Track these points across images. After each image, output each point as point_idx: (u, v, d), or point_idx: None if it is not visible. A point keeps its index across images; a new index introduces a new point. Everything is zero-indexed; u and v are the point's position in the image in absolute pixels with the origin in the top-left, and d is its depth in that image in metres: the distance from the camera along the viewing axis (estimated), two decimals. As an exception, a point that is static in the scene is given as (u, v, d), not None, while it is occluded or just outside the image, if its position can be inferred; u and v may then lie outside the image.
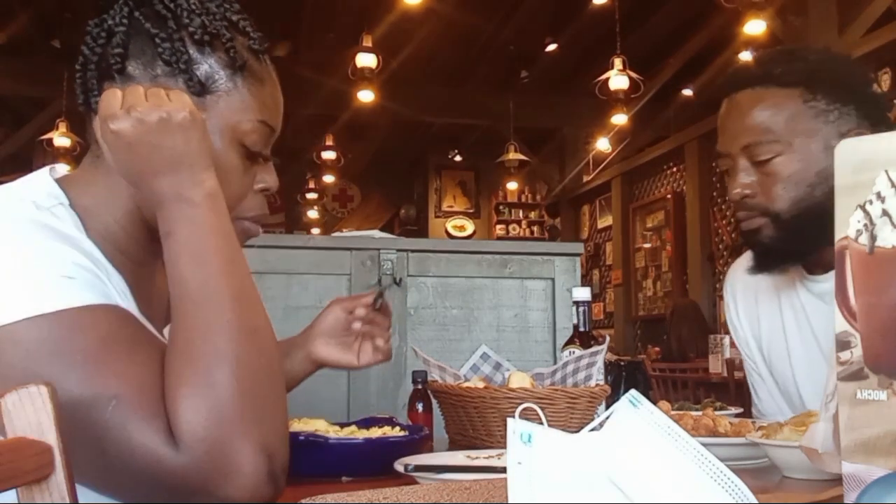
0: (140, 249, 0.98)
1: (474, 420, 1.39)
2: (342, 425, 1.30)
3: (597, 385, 1.46)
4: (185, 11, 0.95)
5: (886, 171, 0.59)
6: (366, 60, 6.81)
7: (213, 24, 0.96)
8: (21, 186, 0.94)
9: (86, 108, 0.98)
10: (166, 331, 1.02)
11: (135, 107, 0.87)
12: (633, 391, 0.63)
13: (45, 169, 0.99)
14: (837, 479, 0.64)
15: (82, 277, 0.85)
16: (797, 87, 1.36)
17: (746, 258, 1.61)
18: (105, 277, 0.88)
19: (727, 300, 1.67)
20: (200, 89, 0.95)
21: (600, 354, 1.49)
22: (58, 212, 0.91)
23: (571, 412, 1.37)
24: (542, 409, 0.70)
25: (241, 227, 1.03)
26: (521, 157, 9.13)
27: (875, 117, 1.38)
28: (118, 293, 0.89)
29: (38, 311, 0.81)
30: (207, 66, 0.95)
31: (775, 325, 1.56)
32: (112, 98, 0.89)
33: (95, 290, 0.85)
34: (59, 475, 0.70)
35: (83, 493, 0.78)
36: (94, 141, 0.96)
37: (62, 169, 1.01)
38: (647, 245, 9.20)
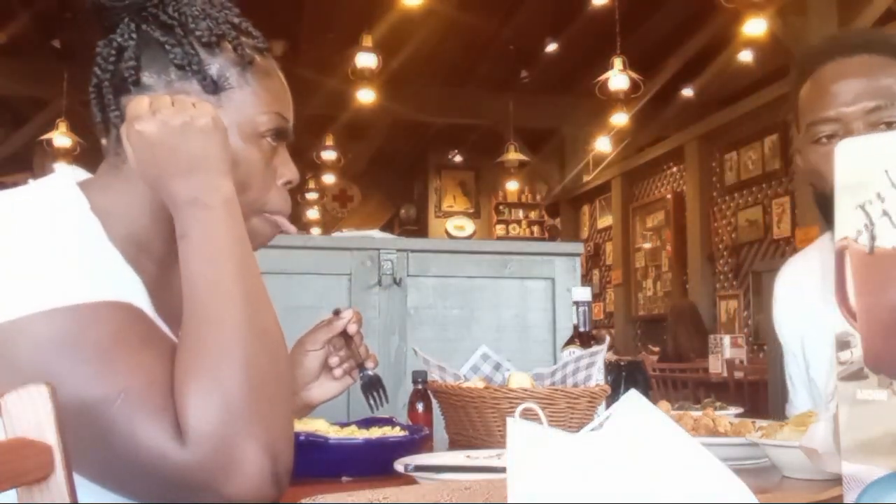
0: (165, 247, 0.99)
1: (474, 420, 1.39)
2: (342, 425, 1.30)
3: (597, 385, 1.46)
4: (190, 17, 0.98)
5: (886, 171, 0.59)
6: (366, 60, 6.81)
7: (218, 27, 0.99)
8: (42, 187, 0.96)
9: (104, 125, 1.01)
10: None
11: (160, 110, 0.91)
12: (633, 391, 0.63)
13: (69, 170, 1.01)
14: (837, 479, 0.64)
15: (97, 274, 0.86)
16: None
17: (802, 256, 1.61)
18: (120, 276, 0.89)
19: (776, 295, 1.66)
20: (214, 88, 0.98)
21: (600, 354, 1.50)
22: (77, 213, 0.93)
23: (571, 412, 1.37)
24: (542, 409, 0.70)
25: (269, 221, 1.06)
26: (521, 157, 9.13)
27: None
28: (133, 293, 0.90)
29: (52, 305, 0.82)
30: (218, 65, 0.99)
31: (824, 325, 1.54)
32: (140, 102, 0.93)
33: (109, 287, 0.86)
34: (59, 475, 0.70)
35: (84, 493, 0.79)
36: (114, 153, 0.99)
37: (82, 173, 1.03)
38: (647, 245, 9.20)
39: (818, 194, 1.43)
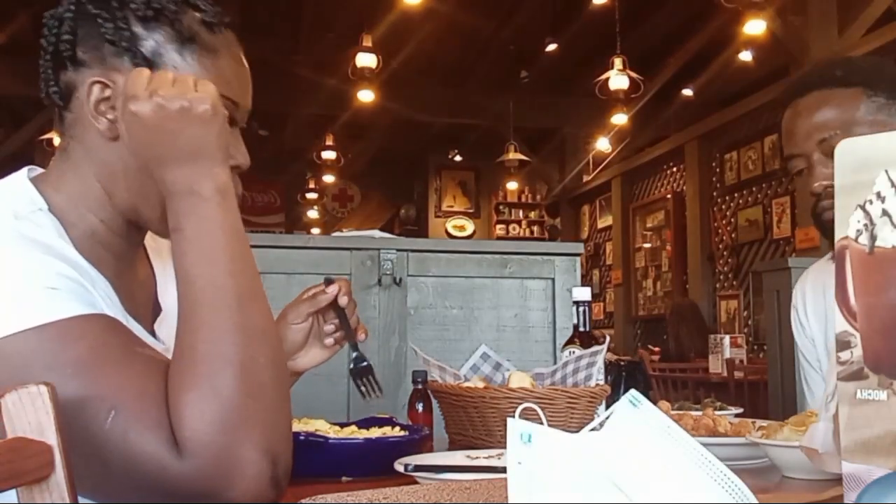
0: (119, 240, 0.98)
1: (474, 420, 1.39)
2: (342, 425, 1.30)
3: (597, 385, 1.46)
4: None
5: (886, 171, 0.59)
6: (366, 60, 6.81)
7: (157, 0, 0.94)
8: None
9: (48, 99, 0.97)
10: (155, 325, 1.02)
11: (158, 91, 0.86)
12: (633, 391, 0.63)
13: (24, 171, 0.98)
14: (837, 479, 0.64)
15: (67, 287, 0.84)
16: (858, 87, 1.48)
17: (824, 262, 1.68)
18: (90, 285, 0.87)
19: (796, 300, 1.72)
20: (147, 66, 0.92)
21: (600, 354, 1.50)
22: (38, 219, 0.90)
23: (571, 412, 1.37)
24: (542, 409, 0.70)
25: None
26: (521, 157, 9.12)
27: None
28: (104, 299, 0.88)
29: (26, 326, 0.79)
30: (154, 41, 0.93)
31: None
32: (138, 77, 0.88)
33: (81, 300, 0.84)
34: (59, 475, 0.70)
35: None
36: (61, 133, 0.96)
37: (36, 169, 1.00)
38: (647, 245, 9.20)
39: (813, 214, 1.56)
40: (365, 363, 1.28)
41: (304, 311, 1.25)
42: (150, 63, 0.92)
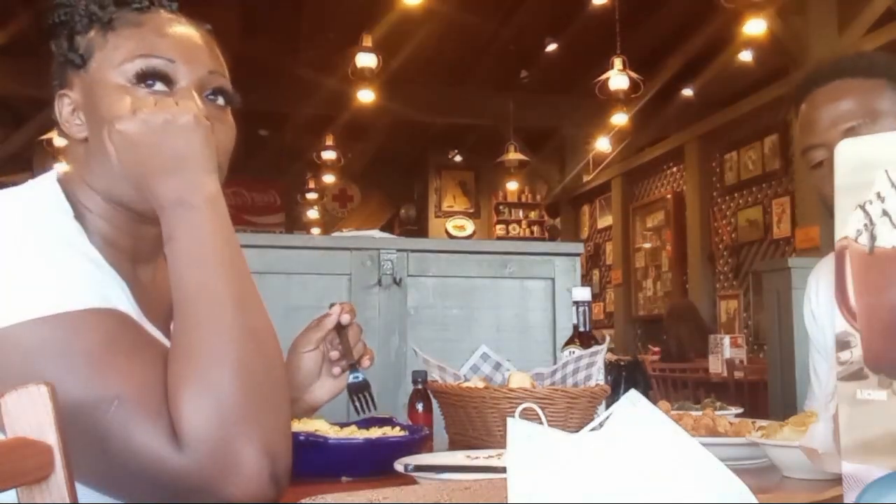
0: (132, 243, 1.00)
1: (474, 420, 1.39)
2: (342, 425, 1.30)
3: (597, 385, 1.46)
4: (63, 12, 1.01)
5: (886, 171, 0.59)
6: (366, 60, 6.81)
7: (93, 10, 1.00)
8: (27, 192, 0.96)
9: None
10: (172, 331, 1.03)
11: (141, 109, 0.91)
12: (633, 391, 0.63)
13: (52, 173, 1.01)
14: (837, 479, 0.64)
15: (83, 281, 0.86)
16: (882, 78, 1.47)
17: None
18: (106, 282, 0.89)
19: (809, 291, 1.70)
20: (82, 61, 0.98)
21: (600, 354, 1.50)
22: (60, 219, 0.93)
23: (571, 412, 1.37)
24: (542, 409, 0.70)
25: None
26: (521, 157, 9.13)
27: None
28: (119, 298, 0.90)
29: (39, 314, 0.81)
30: (86, 41, 0.99)
31: None
32: (121, 102, 0.93)
33: (96, 294, 0.85)
34: (59, 475, 0.71)
35: (84, 493, 0.79)
36: (74, 141, 1.01)
37: (63, 168, 1.03)
38: (647, 245, 9.20)
39: (827, 209, 1.52)
40: (362, 379, 1.28)
41: (313, 336, 1.26)
42: (84, 57, 0.98)
